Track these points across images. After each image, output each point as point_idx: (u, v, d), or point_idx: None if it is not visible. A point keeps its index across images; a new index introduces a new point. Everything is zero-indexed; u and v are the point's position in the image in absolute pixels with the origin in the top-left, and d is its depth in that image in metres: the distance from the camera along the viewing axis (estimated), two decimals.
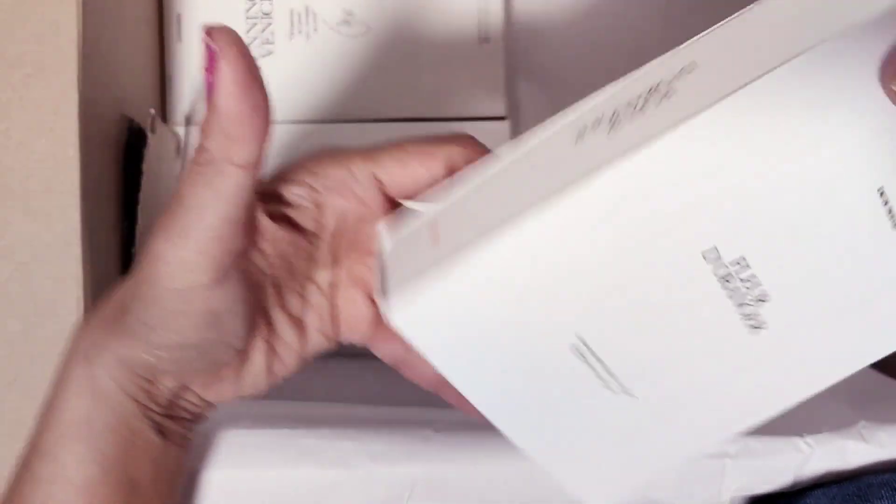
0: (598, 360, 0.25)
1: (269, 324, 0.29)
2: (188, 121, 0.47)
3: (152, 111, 0.40)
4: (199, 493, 0.34)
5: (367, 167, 0.28)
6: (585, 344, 0.25)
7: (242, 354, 0.28)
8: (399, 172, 0.28)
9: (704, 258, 0.23)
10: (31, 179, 0.34)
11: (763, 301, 0.24)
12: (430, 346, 0.26)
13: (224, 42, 0.22)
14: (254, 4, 0.48)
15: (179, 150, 0.46)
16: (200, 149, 0.24)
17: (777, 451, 0.35)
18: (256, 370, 0.29)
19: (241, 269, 0.27)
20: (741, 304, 0.24)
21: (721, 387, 0.26)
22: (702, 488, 0.36)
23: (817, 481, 0.36)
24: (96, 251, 0.36)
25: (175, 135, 0.44)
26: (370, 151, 0.28)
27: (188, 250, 0.24)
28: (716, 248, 0.23)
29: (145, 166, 0.40)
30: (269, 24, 0.48)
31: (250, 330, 0.28)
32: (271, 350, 0.29)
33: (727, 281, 0.23)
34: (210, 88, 0.22)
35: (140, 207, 0.40)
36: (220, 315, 0.26)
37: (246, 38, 0.48)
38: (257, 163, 0.24)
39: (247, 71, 0.22)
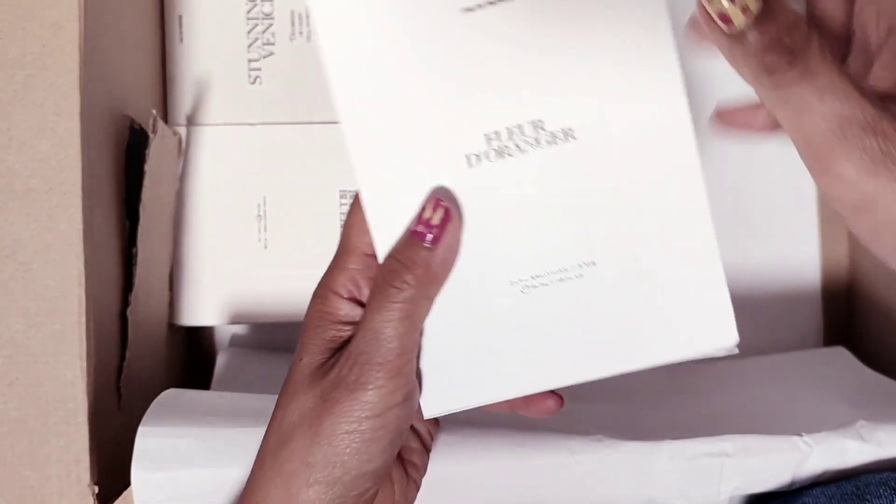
0: None
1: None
2: (190, 121, 0.47)
3: (153, 111, 0.40)
4: (201, 490, 0.34)
5: None
6: None
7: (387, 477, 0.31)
8: None
9: None
10: (33, 179, 0.34)
11: None
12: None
13: (455, 206, 0.29)
14: (255, 5, 0.48)
15: (181, 150, 0.46)
16: (400, 282, 0.28)
17: (775, 449, 0.35)
18: (402, 484, 0.32)
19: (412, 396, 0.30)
20: None
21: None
22: (700, 487, 0.36)
23: (815, 480, 0.36)
24: (98, 251, 0.36)
25: (176, 134, 0.44)
26: None
27: (389, 374, 0.28)
28: None
29: (147, 166, 0.40)
30: (270, 24, 0.48)
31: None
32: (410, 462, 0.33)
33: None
34: (436, 239, 0.28)
35: (142, 207, 0.40)
36: (402, 434, 0.29)
37: (247, 39, 0.48)
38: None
39: (460, 234, 0.29)
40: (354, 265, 0.30)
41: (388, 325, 0.28)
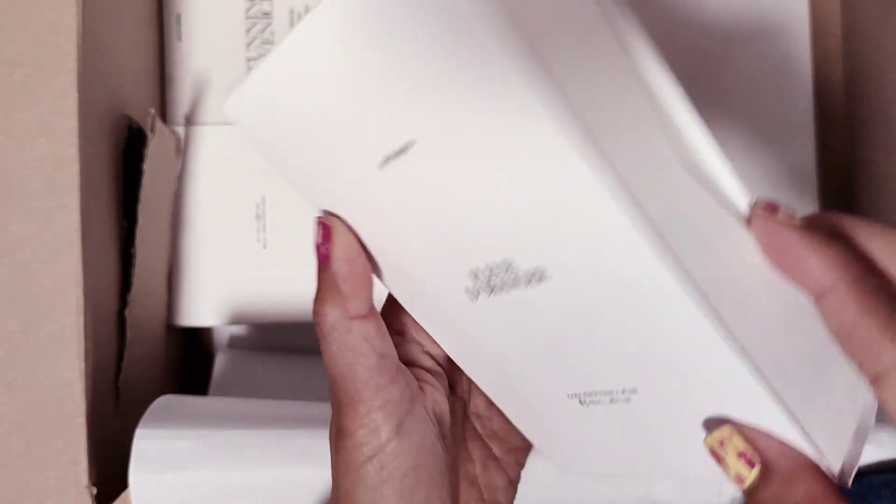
0: None
1: (469, 478, 0.30)
2: (188, 120, 0.47)
3: (152, 111, 0.40)
4: (199, 492, 0.34)
5: None
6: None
7: None
8: None
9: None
10: (32, 179, 0.34)
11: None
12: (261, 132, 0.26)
13: (334, 219, 0.27)
14: (254, 4, 0.48)
15: (179, 149, 0.45)
16: (321, 320, 0.26)
17: None
18: None
19: (426, 426, 0.27)
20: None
21: None
22: (701, 489, 0.36)
23: None
24: (96, 251, 0.36)
25: (174, 134, 0.44)
26: None
27: (361, 410, 0.26)
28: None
29: (145, 166, 0.40)
30: (269, 24, 0.48)
31: (454, 489, 0.28)
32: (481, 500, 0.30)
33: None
34: (323, 259, 0.26)
35: (140, 207, 0.40)
36: (418, 472, 0.26)
37: (245, 38, 0.48)
38: (371, 313, 0.27)
39: (352, 240, 0.27)
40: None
41: (332, 363, 0.26)
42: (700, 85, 0.50)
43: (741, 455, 0.24)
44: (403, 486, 0.26)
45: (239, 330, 0.51)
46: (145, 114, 0.40)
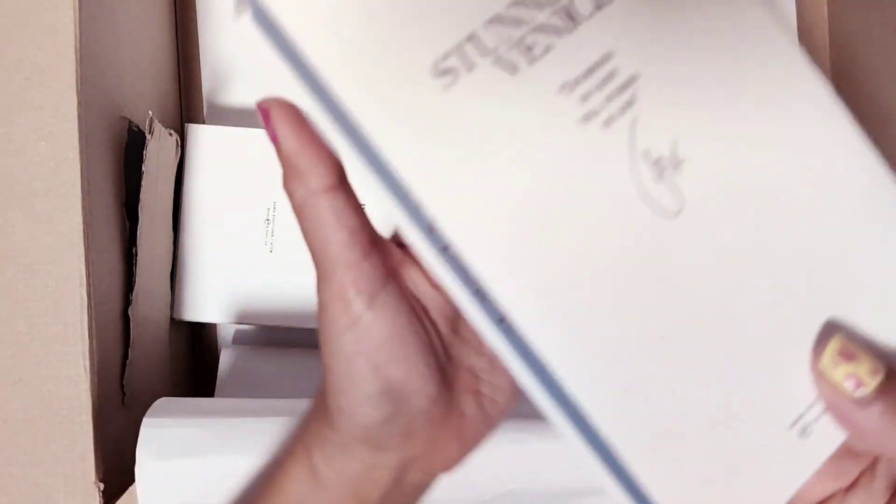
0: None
1: (467, 368, 0.28)
2: (206, 122, 0.47)
3: (150, 113, 0.41)
4: (204, 479, 0.34)
5: None
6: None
7: (449, 406, 0.28)
8: None
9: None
10: (33, 182, 0.34)
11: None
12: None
13: (271, 100, 0.25)
14: None
15: (178, 150, 0.46)
16: (290, 199, 0.26)
17: None
18: (472, 418, 0.28)
19: (402, 303, 0.27)
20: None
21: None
22: None
23: None
24: (98, 252, 0.36)
25: (173, 135, 0.44)
26: None
27: (335, 285, 0.26)
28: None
29: (145, 167, 0.40)
30: None
31: (437, 370, 0.27)
32: (478, 393, 0.28)
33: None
34: (274, 142, 0.25)
35: (141, 208, 0.40)
36: (392, 346, 0.26)
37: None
38: (338, 184, 0.26)
39: (296, 115, 0.25)
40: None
41: (307, 239, 0.26)
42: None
43: (869, 350, 0.24)
44: (378, 358, 0.26)
45: (243, 326, 0.51)
46: (145, 115, 0.41)
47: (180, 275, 0.47)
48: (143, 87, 0.45)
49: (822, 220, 0.25)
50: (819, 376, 0.24)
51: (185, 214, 0.47)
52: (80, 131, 0.34)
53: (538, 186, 0.22)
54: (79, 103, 0.34)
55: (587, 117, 0.22)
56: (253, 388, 0.46)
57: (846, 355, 0.24)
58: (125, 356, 0.40)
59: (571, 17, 0.22)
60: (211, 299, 0.47)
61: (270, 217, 0.47)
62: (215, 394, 0.47)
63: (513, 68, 0.22)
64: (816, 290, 0.25)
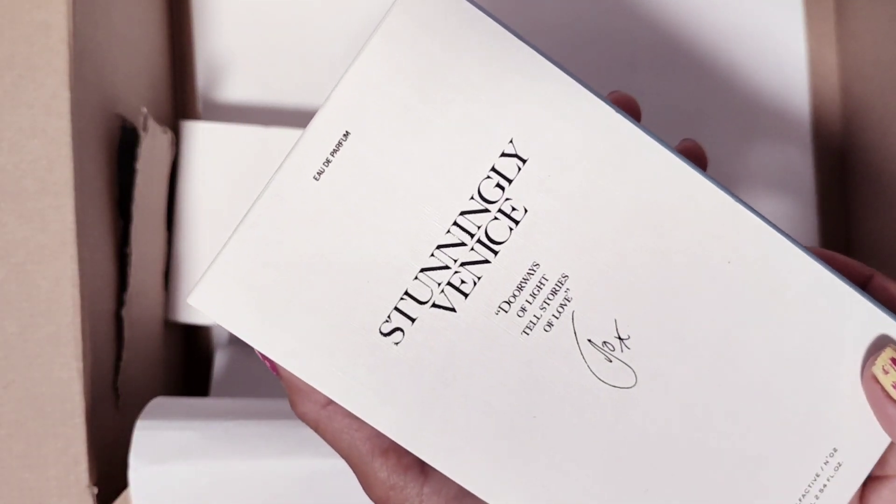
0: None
1: None
2: (201, 118, 0.47)
3: (144, 110, 0.40)
4: (199, 483, 0.34)
5: None
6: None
7: None
8: None
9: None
10: (25, 180, 0.34)
11: None
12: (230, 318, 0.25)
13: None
14: None
15: (172, 147, 0.45)
16: (303, 420, 0.27)
17: None
18: None
19: None
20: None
21: None
22: None
23: None
24: (91, 251, 0.36)
25: (167, 132, 0.44)
26: None
27: (381, 477, 0.27)
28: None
29: (138, 165, 0.40)
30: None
31: None
32: None
33: None
34: (273, 368, 0.27)
35: (134, 206, 0.40)
36: (464, 491, 0.27)
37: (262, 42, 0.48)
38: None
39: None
40: None
41: (335, 447, 0.27)
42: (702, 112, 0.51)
43: None
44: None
45: None
46: (138, 113, 0.40)
47: (174, 275, 0.46)
48: (137, 83, 0.45)
49: (771, 339, 0.26)
50: (869, 382, 0.26)
51: (180, 213, 0.46)
52: (73, 129, 0.34)
53: (508, 402, 0.25)
54: (71, 100, 0.34)
55: (529, 327, 0.25)
56: (248, 390, 0.46)
57: None
58: (118, 358, 0.39)
59: (491, 244, 0.25)
60: None
61: None
62: (210, 396, 0.46)
63: (451, 307, 0.25)
64: (785, 405, 0.26)
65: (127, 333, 0.40)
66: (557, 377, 0.25)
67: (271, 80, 0.50)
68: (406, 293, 0.25)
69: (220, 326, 0.50)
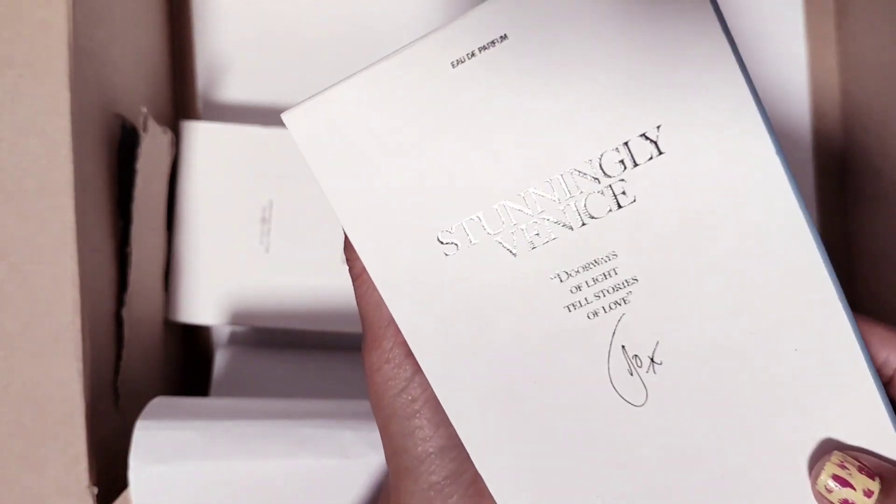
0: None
1: None
2: (203, 118, 0.47)
3: (144, 110, 0.40)
4: (199, 483, 0.34)
5: None
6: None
7: None
8: None
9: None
10: (25, 180, 0.34)
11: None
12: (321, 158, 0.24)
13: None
14: None
15: (172, 147, 0.45)
16: (351, 265, 0.27)
17: None
18: None
19: None
20: None
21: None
22: None
23: None
24: (91, 251, 0.36)
25: (167, 132, 0.44)
26: None
27: (385, 346, 0.26)
28: None
29: (138, 165, 0.40)
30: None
31: None
32: None
33: None
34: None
35: (134, 206, 0.40)
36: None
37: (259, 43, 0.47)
38: None
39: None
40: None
41: (361, 303, 0.27)
42: None
43: (861, 469, 0.24)
44: (438, 414, 0.26)
45: (238, 327, 0.51)
46: (138, 112, 0.40)
47: (174, 275, 0.46)
48: (137, 83, 0.45)
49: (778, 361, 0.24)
50: (818, 497, 0.25)
51: (180, 213, 0.46)
52: (73, 129, 0.34)
53: (522, 358, 0.25)
54: (71, 100, 0.34)
55: (574, 306, 0.24)
56: (248, 390, 0.46)
57: (839, 481, 0.24)
58: (118, 358, 0.39)
59: (582, 214, 0.24)
60: (206, 300, 0.46)
61: (267, 216, 0.46)
62: (210, 396, 0.46)
63: (513, 251, 0.24)
64: (785, 432, 0.25)
65: (127, 333, 0.40)
66: (574, 363, 0.24)
67: (271, 80, 0.50)
68: (479, 216, 0.23)
69: (220, 327, 0.50)
